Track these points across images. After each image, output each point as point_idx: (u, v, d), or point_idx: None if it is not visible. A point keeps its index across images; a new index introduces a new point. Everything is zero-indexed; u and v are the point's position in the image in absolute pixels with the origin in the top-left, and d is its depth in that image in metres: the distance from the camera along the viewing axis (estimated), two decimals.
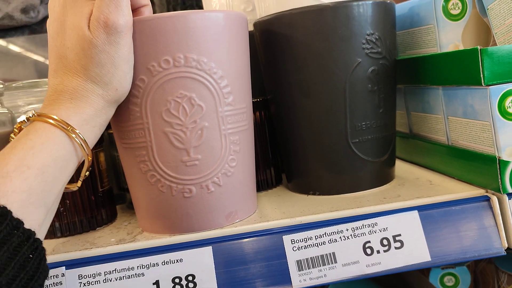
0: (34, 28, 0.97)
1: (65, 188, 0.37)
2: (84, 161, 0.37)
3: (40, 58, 0.96)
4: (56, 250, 0.42)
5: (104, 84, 0.37)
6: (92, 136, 0.37)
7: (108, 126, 0.55)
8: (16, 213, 0.30)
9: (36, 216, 0.32)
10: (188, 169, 0.40)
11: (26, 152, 0.33)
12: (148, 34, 0.38)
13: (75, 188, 0.39)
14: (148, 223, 0.43)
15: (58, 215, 0.46)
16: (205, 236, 0.41)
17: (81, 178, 0.39)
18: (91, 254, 0.41)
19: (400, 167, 0.56)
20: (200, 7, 0.89)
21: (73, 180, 0.38)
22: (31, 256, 0.30)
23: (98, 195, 0.48)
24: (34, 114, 0.35)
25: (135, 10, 0.41)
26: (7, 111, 0.52)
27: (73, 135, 0.35)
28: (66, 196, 0.46)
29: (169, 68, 0.38)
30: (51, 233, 0.46)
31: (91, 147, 0.37)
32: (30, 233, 0.31)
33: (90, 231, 0.47)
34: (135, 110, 0.39)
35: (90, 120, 0.36)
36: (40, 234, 0.32)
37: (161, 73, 0.38)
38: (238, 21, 0.42)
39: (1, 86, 0.52)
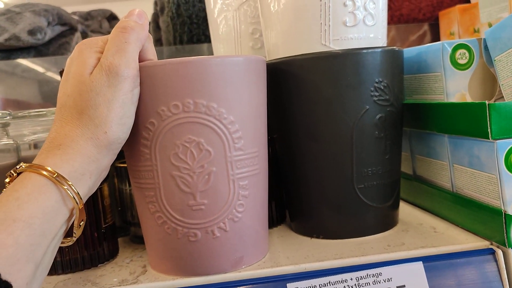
0: (40, 49, 0.97)
1: (62, 242, 0.36)
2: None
3: (44, 80, 0.96)
4: None
5: (94, 127, 0.36)
6: (81, 185, 0.35)
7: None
8: (3, 273, 0.29)
9: (24, 274, 0.30)
10: (194, 213, 0.40)
11: (12, 204, 0.31)
12: (159, 79, 0.38)
13: (71, 243, 0.37)
14: (156, 261, 0.43)
15: (60, 251, 0.45)
16: (209, 281, 0.41)
17: (75, 231, 0.36)
18: None
19: (403, 209, 0.56)
20: (206, 36, 0.90)
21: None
22: None
23: (101, 231, 0.47)
24: (21, 166, 0.34)
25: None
26: (12, 142, 0.52)
27: (64, 185, 0.33)
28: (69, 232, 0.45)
29: (178, 113, 0.39)
30: (52, 270, 0.45)
31: (83, 198, 0.35)
32: None
33: (92, 268, 0.47)
34: (145, 152, 0.40)
35: (79, 167, 0.35)
36: None
37: (170, 117, 0.39)
38: (255, 66, 0.42)
39: (8, 117, 0.52)
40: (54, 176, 0.33)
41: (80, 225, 0.36)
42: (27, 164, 0.34)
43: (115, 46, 0.37)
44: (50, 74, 0.96)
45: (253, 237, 0.43)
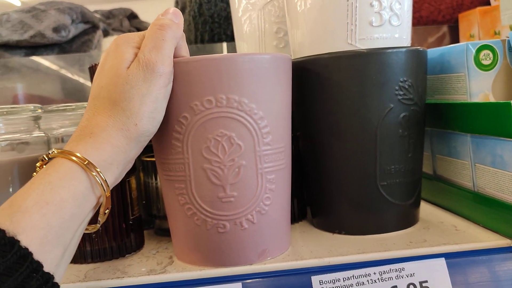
0: (64, 46, 1.00)
1: (86, 229, 0.37)
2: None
3: (68, 76, 0.98)
4: (88, 277, 0.43)
5: (125, 118, 0.37)
6: (109, 173, 0.36)
7: (141, 152, 0.57)
8: (35, 253, 0.30)
9: (54, 256, 0.31)
10: (224, 205, 0.41)
11: (45, 187, 0.32)
12: (193, 75, 0.40)
13: (95, 229, 0.38)
14: (182, 252, 0.44)
15: (90, 240, 0.47)
16: (235, 272, 0.42)
17: (100, 218, 0.37)
18: (123, 283, 0.42)
19: (424, 208, 0.56)
20: (227, 35, 0.91)
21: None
22: None
23: (128, 223, 0.49)
24: (53, 151, 0.35)
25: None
26: (43, 134, 0.54)
27: (93, 172, 0.34)
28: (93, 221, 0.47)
29: (211, 107, 0.40)
30: (82, 258, 0.47)
31: (110, 186, 0.36)
32: (49, 277, 0.30)
33: (120, 258, 0.48)
34: (176, 145, 0.41)
35: (108, 157, 0.36)
36: (57, 275, 0.32)
37: (203, 112, 0.40)
38: (281, 63, 0.43)
39: (40, 110, 0.53)
40: (85, 163, 0.34)
41: (105, 213, 0.37)
42: (59, 150, 0.35)
43: (152, 43, 0.38)
44: (73, 71, 0.98)
45: (278, 229, 0.44)
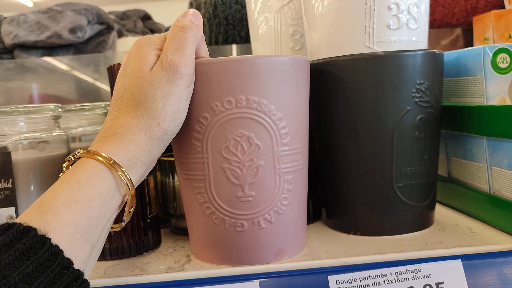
0: (80, 47, 1.01)
1: (111, 228, 0.38)
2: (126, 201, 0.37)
3: (83, 77, 1.00)
4: (107, 274, 0.44)
5: (149, 119, 0.37)
6: (133, 172, 0.37)
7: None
8: (65, 250, 0.30)
9: (82, 253, 0.32)
10: (242, 205, 0.42)
11: (73, 187, 0.33)
12: (214, 76, 0.40)
13: (120, 228, 0.39)
14: (200, 250, 0.45)
15: (109, 238, 0.48)
16: (253, 270, 0.42)
17: (125, 217, 0.38)
18: (142, 280, 0.42)
19: (439, 211, 0.57)
20: (241, 37, 0.92)
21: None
22: None
23: (146, 221, 0.49)
24: (79, 152, 0.36)
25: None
26: (63, 133, 0.55)
27: (118, 171, 0.35)
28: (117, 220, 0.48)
29: (231, 108, 0.40)
30: (101, 256, 0.48)
31: (134, 185, 0.37)
32: (79, 274, 0.31)
33: (137, 255, 0.49)
34: (196, 145, 0.42)
35: (132, 156, 0.37)
36: (86, 272, 0.32)
37: (223, 112, 0.40)
38: (299, 65, 0.44)
39: (60, 109, 0.54)
40: (110, 162, 0.35)
41: (130, 212, 0.38)
42: (85, 150, 0.36)
43: (175, 45, 0.39)
44: (87, 71, 0.99)
45: (295, 229, 0.45)
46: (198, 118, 0.41)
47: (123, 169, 0.36)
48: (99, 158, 0.35)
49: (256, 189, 0.42)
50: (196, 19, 0.41)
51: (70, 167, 0.36)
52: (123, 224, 0.39)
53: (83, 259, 0.32)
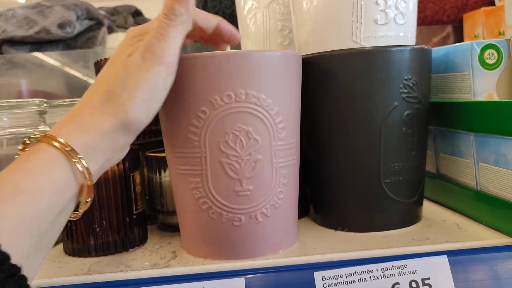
0: (69, 43, 1.00)
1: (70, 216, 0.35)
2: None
3: (72, 72, 0.99)
4: (92, 270, 0.43)
5: (118, 105, 0.35)
6: (93, 160, 0.34)
7: (146, 147, 0.57)
8: (4, 244, 0.28)
9: (24, 247, 0.29)
10: (240, 199, 0.42)
11: (22, 175, 0.31)
12: (213, 69, 0.40)
13: (77, 218, 0.36)
14: (195, 246, 0.45)
15: (94, 234, 0.47)
16: (239, 267, 0.42)
17: (81, 206, 0.35)
18: (127, 277, 0.42)
19: (426, 207, 0.57)
20: None
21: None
22: None
23: (132, 217, 0.49)
24: (35, 134, 0.33)
25: (217, 39, 0.44)
26: (48, 129, 0.54)
27: (74, 159, 0.32)
28: (103, 216, 0.47)
29: (230, 102, 0.40)
30: (86, 251, 0.47)
31: (94, 174, 0.34)
32: (15, 269, 0.28)
33: (123, 252, 0.48)
34: (193, 139, 0.41)
35: (93, 142, 0.34)
36: (29, 267, 0.30)
37: (222, 106, 0.40)
38: (294, 60, 0.44)
39: (46, 105, 0.54)
40: (67, 149, 0.32)
41: (87, 202, 0.35)
42: (42, 134, 0.33)
43: (155, 30, 0.36)
44: (77, 67, 0.98)
45: (289, 223, 0.45)
46: (195, 112, 0.41)
47: (80, 157, 0.33)
48: (55, 143, 0.32)
49: (254, 183, 0.42)
50: (184, 4, 0.37)
51: (26, 150, 0.33)
52: (80, 214, 0.36)
53: (25, 253, 0.29)
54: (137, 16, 1.27)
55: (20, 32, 0.95)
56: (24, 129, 0.51)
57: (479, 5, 0.90)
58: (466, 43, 0.49)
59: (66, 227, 0.48)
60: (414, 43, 0.50)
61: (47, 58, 0.97)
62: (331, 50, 0.47)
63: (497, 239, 0.44)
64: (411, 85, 0.47)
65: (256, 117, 0.41)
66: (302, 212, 0.56)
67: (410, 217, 0.50)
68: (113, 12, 1.20)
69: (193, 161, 0.42)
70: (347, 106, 0.47)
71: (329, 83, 0.47)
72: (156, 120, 0.46)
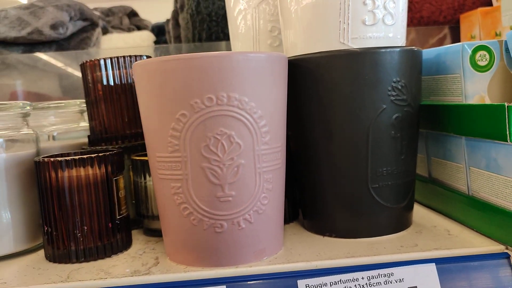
0: (62, 44, 0.99)
1: None
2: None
3: (65, 73, 0.98)
4: (70, 277, 0.42)
5: None
6: None
7: (131, 151, 0.56)
8: None
9: None
10: (222, 205, 0.41)
11: None
12: (194, 72, 0.39)
13: None
14: (176, 252, 0.44)
15: (75, 239, 0.46)
16: (220, 274, 0.41)
17: None
18: (106, 284, 0.41)
19: (417, 211, 0.55)
20: (225, 33, 0.90)
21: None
22: None
23: (115, 222, 0.48)
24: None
25: None
26: (32, 132, 0.53)
27: None
28: (84, 221, 0.46)
29: (211, 105, 0.39)
30: (67, 257, 0.46)
31: None
32: None
33: (105, 258, 0.47)
34: (173, 143, 0.40)
35: None
36: None
37: (203, 110, 0.39)
38: (279, 62, 0.43)
39: (28, 107, 0.53)
40: None
41: None
42: None
43: None
44: (70, 68, 0.97)
45: (274, 229, 0.44)
46: (175, 115, 0.40)
47: None
48: None
49: (236, 189, 0.40)
50: None
51: None
52: None
53: None
54: (133, 17, 1.26)
55: (12, 33, 0.94)
56: (6, 132, 0.50)
57: (477, 6, 0.88)
58: (457, 44, 0.48)
59: (46, 232, 0.47)
60: (404, 44, 0.49)
61: (40, 59, 0.97)
62: (318, 51, 0.46)
63: (488, 246, 0.43)
64: (399, 87, 0.45)
65: (238, 121, 0.40)
66: (292, 217, 0.55)
67: (399, 223, 0.48)
68: (108, 13, 1.19)
69: (174, 165, 0.41)
70: (334, 109, 0.46)
71: (316, 85, 0.46)
72: (141, 123, 0.45)
